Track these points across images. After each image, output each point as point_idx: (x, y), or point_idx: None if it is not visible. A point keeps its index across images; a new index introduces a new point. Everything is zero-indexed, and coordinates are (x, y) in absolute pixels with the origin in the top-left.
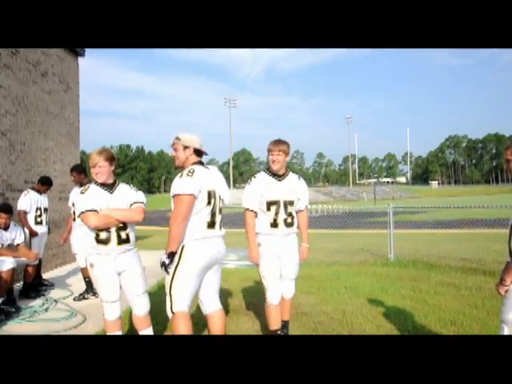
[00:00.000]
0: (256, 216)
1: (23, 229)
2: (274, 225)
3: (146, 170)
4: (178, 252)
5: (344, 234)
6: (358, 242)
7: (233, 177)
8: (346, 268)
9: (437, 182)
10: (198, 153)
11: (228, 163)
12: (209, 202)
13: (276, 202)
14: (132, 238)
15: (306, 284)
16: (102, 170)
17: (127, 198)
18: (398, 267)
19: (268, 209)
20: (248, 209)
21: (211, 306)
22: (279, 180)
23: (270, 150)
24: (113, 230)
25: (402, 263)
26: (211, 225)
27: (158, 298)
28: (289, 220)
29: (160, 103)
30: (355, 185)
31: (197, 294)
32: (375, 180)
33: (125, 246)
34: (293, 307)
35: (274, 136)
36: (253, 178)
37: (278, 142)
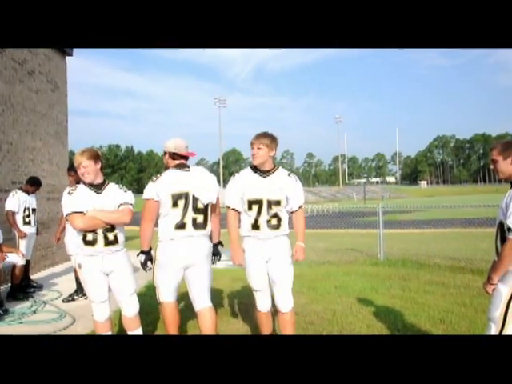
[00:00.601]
0: (240, 215)
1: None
2: (255, 226)
3: (135, 170)
4: (155, 251)
5: (334, 233)
6: (348, 241)
7: (223, 176)
8: (335, 268)
9: (425, 181)
10: (175, 156)
11: (218, 163)
12: (175, 205)
13: (258, 201)
14: (121, 238)
15: (296, 283)
16: (87, 169)
17: (116, 199)
18: (388, 266)
19: (249, 208)
20: (229, 207)
21: (200, 304)
22: (264, 177)
23: (251, 144)
24: (99, 231)
25: (391, 262)
26: (181, 226)
27: (148, 298)
28: (273, 222)
29: (150, 103)
30: (345, 185)
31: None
32: (365, 180)
33: (112, 247)
34: (293, 322)
35: None
36: (236, 174)
37: (260, 135)
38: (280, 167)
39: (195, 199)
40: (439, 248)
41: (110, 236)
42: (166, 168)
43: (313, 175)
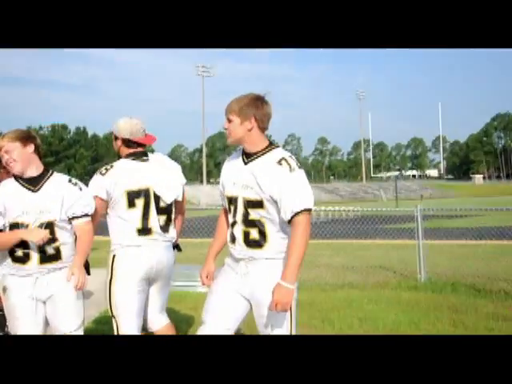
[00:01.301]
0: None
1: None
2: (231, 239)
3: (88, 158)
4: (110, 263)
5: (356, 245)
6: (376, 256)
7: (206, 168)
8: (359, 292)
9: (481, 175)
10: (129, 143)
11: (200, 150)
12: (131, 205)
13: (234, 200)
14: (66, 252)
15: (304, 314)
16: (11, 155)
17: (60, 202)
18: (432, 292)
19: (229, 208)
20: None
21: (157, 324)
22: (246, 163)
23: None
24: (32, 243)
25: (436, 286)
26: (144, 231)
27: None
28: (252, 235)
29: (109, 70)
30: (370, 180)
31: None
32: (397, 173)
33: (52, 265)
34: None
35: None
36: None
37: (230, 102)
38: (276, 149)
39: (157, 197)
40: (504, 266)
41: (49, 249)
42: (119, 157)
43: (326, 167)
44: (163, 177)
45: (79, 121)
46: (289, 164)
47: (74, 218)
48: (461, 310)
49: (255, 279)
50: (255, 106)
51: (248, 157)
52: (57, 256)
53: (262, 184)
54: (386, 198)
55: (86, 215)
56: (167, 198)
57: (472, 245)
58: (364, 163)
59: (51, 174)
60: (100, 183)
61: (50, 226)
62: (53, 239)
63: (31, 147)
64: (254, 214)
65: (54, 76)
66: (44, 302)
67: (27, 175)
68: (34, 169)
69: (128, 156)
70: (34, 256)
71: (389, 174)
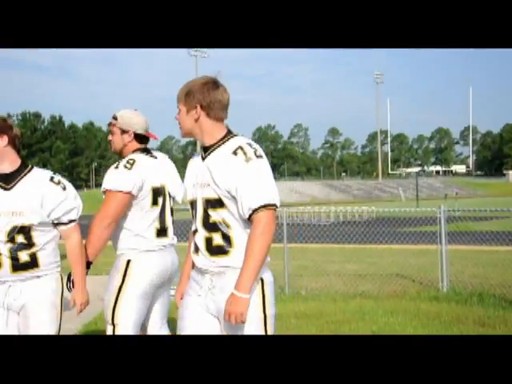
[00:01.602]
0: None
1: None
2: (194, 249)
3: (66, 152)
4: (121, 268)
5: (370, 250)
6: (392, 262)
7: None
8: (373, 303)
9: None
10: (142, 138)
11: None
12: (155, 203)
13: (194, 204)
14: (43, 259)
15: (312, 326)
16: None
17: (39, 201)
18: (456, 303)
19: (192, 216)
20: None
21: (162, 332)
22: (203, 158)
23: None
24: (4, 248)
25: (461, 297)
26: (162, 232)
27: None
28: (215, 240)
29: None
30: (387, 176)
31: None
32: (418, 169)
33: (27, 273)
34: None
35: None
36: None
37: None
38: (234, 138)
39: (170, 196)
40: None
41: (23, 256)
42: (120, 153)
43: (337, 162)
44: (173, 175)
45: (54, 108)
46: (244, 153)
47: (58, 223)
48: (488, 323)
49: (221, 295)
50: (201, 92)
51: (205, 151)
52: (33, 263)
53: (216, 179)
54: (404, 198)
55: (69, 221)
56: (178, 198)
57: (502, 251)
58: (380, 158)
59: (29, 170)
60: (130, 178)
61: (23, 230)
62: (28, 245)
63: (5, 140)
64: (214, 216)
65: (19, 54)
66: (18, 313)
67: None
68: (8, 164)
69: (140, 151)
70: (6, 263)
71: (409, 170)
